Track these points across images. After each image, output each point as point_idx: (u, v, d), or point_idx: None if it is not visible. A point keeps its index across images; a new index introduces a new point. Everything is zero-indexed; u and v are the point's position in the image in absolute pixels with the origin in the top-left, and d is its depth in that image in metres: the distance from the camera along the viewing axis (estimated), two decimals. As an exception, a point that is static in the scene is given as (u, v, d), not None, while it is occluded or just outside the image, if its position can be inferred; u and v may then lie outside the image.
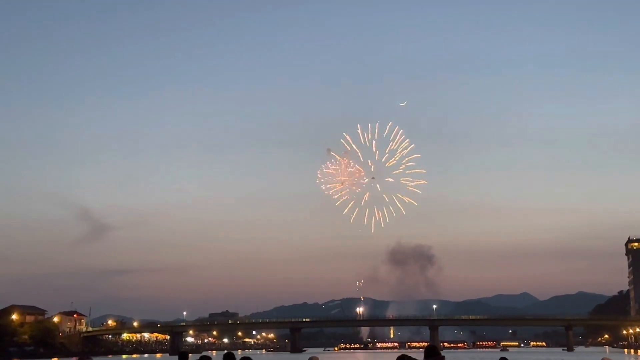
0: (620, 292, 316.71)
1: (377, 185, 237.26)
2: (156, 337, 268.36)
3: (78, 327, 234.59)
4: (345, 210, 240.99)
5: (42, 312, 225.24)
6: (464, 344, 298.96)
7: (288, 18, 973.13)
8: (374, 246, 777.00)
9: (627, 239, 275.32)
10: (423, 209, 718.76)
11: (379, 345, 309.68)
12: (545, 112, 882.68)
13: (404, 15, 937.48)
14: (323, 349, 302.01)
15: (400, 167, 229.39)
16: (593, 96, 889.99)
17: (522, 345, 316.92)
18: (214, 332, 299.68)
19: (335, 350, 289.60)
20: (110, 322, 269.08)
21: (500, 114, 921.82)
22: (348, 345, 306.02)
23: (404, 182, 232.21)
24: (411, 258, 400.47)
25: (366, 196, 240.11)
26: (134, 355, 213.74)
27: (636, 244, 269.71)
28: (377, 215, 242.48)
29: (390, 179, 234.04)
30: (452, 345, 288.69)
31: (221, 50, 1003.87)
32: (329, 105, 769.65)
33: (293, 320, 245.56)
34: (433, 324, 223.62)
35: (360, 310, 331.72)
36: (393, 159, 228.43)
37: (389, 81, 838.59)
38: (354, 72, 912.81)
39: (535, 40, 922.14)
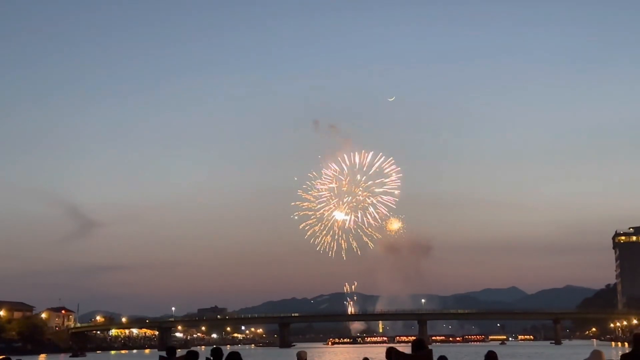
0: (608, 285, 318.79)
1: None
2: (145, 332, 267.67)
3: (66, 323, 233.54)
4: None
5: (30, 308, 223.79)
6: (460, 338, 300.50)
7: (292, 22, 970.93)
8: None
9: (614, 233, 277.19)
10: (410, 204, 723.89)
11: (368, 339, 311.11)
12: (536, 108, 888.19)
13: (402, 10, 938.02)
14: (322, 343, 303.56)
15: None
16: (581, 94, 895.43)
17: (510, 338, 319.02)
18: (203, 328, 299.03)
19: (329, 344, 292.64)
20: (98, 318, 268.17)
21: (492, 109, 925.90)
22: (338, 340, 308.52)
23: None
24: (404, 250, 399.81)
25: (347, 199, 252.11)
26: (123, 351, 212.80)
27: (623, 237, 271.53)
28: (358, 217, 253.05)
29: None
30: (449, 339, 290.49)
31: (212, 45, 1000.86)
32: (329, 109, 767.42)
33: (282, 315, 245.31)
34: (421, 318, 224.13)
35: (351, 310, 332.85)
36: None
37: (384, 75, 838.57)
38: (352, 70, 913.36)
39: (532, 35, 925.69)
